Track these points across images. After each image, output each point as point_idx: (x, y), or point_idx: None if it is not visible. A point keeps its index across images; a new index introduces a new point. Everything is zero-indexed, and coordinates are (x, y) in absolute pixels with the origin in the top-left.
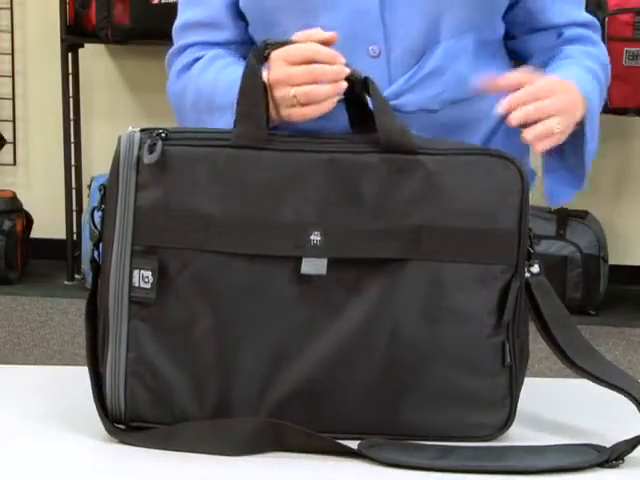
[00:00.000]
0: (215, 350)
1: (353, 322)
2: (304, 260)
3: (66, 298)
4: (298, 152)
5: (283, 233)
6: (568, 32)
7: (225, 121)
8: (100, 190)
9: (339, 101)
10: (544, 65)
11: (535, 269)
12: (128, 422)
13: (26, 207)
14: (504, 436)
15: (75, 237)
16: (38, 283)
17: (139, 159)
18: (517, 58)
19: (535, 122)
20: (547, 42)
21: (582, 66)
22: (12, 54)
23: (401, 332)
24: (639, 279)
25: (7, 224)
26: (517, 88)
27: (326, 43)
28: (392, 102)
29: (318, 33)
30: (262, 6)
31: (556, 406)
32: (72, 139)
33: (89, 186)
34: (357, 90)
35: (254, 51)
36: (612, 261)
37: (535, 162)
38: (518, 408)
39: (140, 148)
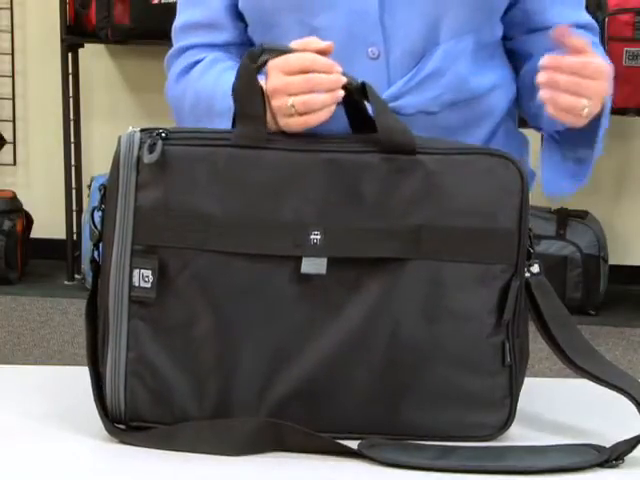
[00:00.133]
0: (215, 350)
1: (353, 322)
2: (304, 259)
3: (66, 298)
4: (298, 152)
5: (283, 233)
6: None
7: (225, 126)
8: (100, 190)
9: (338, 104)
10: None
11: (535, 269)
12: (128, 422)
13: (26, 207)
14: (504, 436)
15: (75, 237)
16: (38, 283)
17: (139, 159)
18: (515, 58)
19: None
20: (546, 43)
21: None
22: (12, 54)
23: (401, 332)
24: (639, 279)
25: (7, 224)
26: (577, 52)
27: (323, 52)
28: (391, 104)
29: (315, 42)
30: (261, 7)
31: (556, 406)
32: (72, 139)
33: (89, 186)
34: (356, 97)
35: (249, 52)
36: (612, 261)
37: (535, 163)
38: (518, 408)
39: (140, 148)
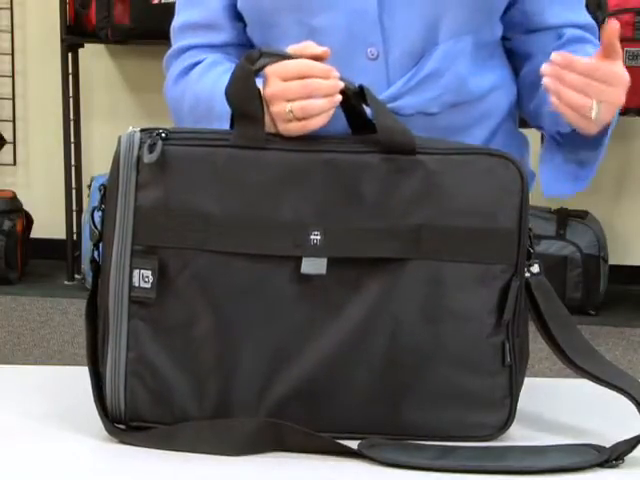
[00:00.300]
0: (215, 350)
1: (353, 322)
2: (304, 260)
3: (66, 298)
4: (298, 152)
5: (283, 233)
6: (568, 33)
7: (224, 128)
8: (100, 190)
9: (337, 107)
10: (546, 59)
11: (535, 269)
12: (128, 422)
13: (26, 207)
14: (504, 436)
15: (75, 237)
16: (38, 283)
17: (139, 159)
18: (514, 59)
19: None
20: (546, 42)
21: None
22: (12, 54)
23: (401, 332)
24: (639, 279)
25: (7, 224)
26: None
27: (320, 57)
28: (390, 105)
29: (312, 47)
30: (260, 7)
31: (556, 406)
32: (72, 139)
33: (89, 186)
34: (354, 102)
35: (247, 55)
36: (612, 261)
37: (535, 163)
38: (518, 408)
39: (140, 148)
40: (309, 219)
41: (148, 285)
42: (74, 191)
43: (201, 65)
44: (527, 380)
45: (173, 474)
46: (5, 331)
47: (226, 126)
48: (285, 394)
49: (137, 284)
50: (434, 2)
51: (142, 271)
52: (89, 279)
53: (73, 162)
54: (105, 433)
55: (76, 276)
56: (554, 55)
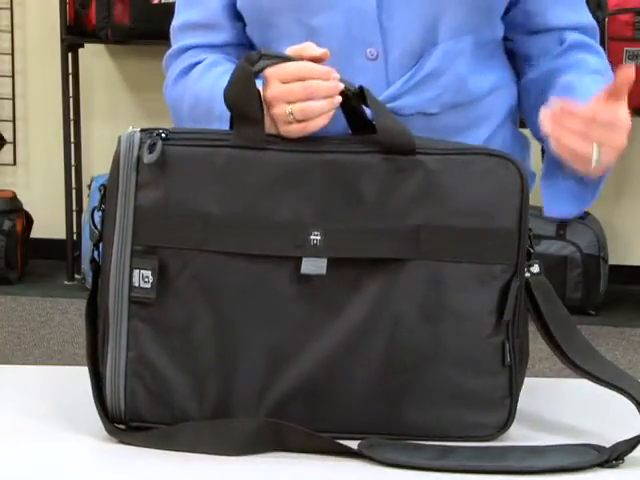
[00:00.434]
0: (215, 350)
1: (353, 322)
2: (304, 260)
3: (66, 298)
4: (297, 152)
5: (283, 233)
6: (569, 38)
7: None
8: (100, 190)
9: (337, 108)
10: (548, 72)
11: (535, 269)
12: (128, 422)
13: (26, 207)
14: (504, 436)
15: (75, 237)
16: (38, 283)
17: (139, 159)
18: (514, 59)
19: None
20: (546, 46)
21: None
22: (12, 54)
23: (401, 332)
24: (639, 279)
25: (7, 224)
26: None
27: (320, 58)
28: (390, 105)
29: (311, 48)
30: (259, 6)
31: (556, 406)
32: (72, 139)
33: (89, 186)
34: (354, 103)
35: (247, 56)
36: (612, 261)
37: (535, 164)
38: (518, 408)
39: (140, 148)
40: (309, 219)
41: (148, 285)
42: (74, 191)
43: (201, 65)
44: (527, 380)
45: (173, 474)
46: (5, 331)
47: (226, 127)
48: (285, 394)
49: (137, 284)
50: (433, 2)
51: (142, 271)
52: (89, 279)
53: (73, 162)
54: (105, 433)
55: (76, 276)
56: (554, 102)
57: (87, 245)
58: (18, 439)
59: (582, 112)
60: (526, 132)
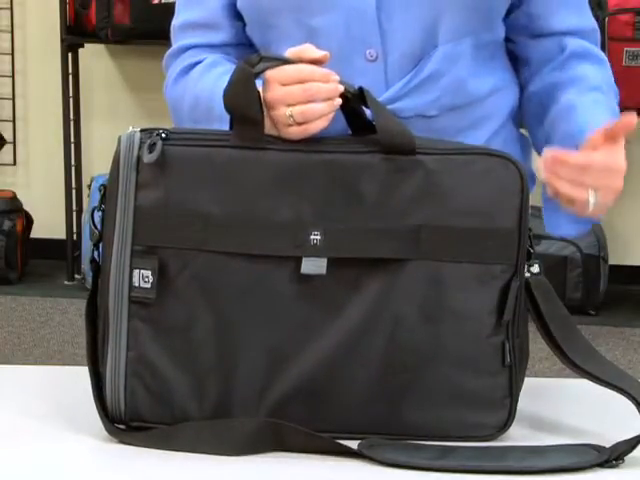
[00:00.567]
0: (215, 350)
1: (353, 322)
2: (304, 260)
3: (66, 298)
4: (297, 152)
5: (283, 233)
6: (570, 46)
7: (224, 129)
8: (100, 190)
9: (337, 110)
10: (549, 86)
11: (535, 269)
12: (128, 422)
13: (26, 207)
14: (504, 436)
15: (75, 237)
16: (38, 283)
17: (139, 159)
18: (514, 61)
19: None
20: (547, 51)
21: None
22: (12, 54)
23: (401, 332)
24: (639, 279)
25: (7, 224)
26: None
27: (319, 60)
28: (389, 107)
29: (311, 50)
30: (259, 6)
31: (556, 406)
32: (72, 139)
33: (89, 186)
34: (354, 105)
35: (246, 59)
36: (612, 261)
37: (535, 165)
38: (518, 408)
39: (140, 148)
40: (309, 219)
41: (148, 285)
42: (74, 191)
43: (201, 65)
44: (527, 380)
45: (173, 474)
46: (5, 331)
47: (226, 127)
48: (285, 394)
49: (137, 284)
50: (431, 4)
51: (142, 271)
52: (89, 279)
53: (73, 162)
54: (105, 433)
55: (76, 276)
56: (546, 152)
57: (87, 245)
58: (18, 439)
59: (576, 160)
60: (526, 132)
